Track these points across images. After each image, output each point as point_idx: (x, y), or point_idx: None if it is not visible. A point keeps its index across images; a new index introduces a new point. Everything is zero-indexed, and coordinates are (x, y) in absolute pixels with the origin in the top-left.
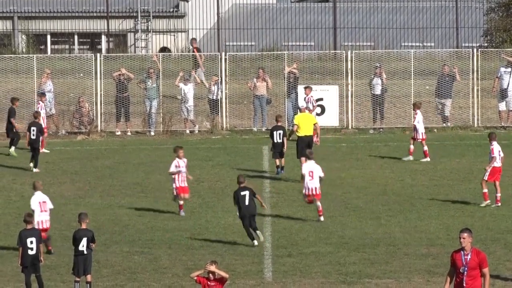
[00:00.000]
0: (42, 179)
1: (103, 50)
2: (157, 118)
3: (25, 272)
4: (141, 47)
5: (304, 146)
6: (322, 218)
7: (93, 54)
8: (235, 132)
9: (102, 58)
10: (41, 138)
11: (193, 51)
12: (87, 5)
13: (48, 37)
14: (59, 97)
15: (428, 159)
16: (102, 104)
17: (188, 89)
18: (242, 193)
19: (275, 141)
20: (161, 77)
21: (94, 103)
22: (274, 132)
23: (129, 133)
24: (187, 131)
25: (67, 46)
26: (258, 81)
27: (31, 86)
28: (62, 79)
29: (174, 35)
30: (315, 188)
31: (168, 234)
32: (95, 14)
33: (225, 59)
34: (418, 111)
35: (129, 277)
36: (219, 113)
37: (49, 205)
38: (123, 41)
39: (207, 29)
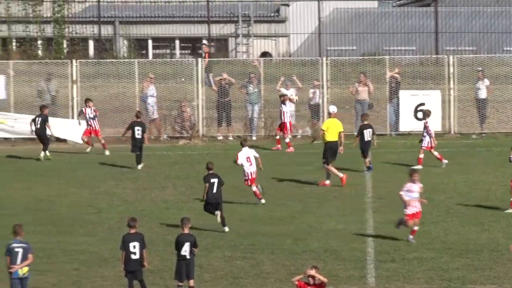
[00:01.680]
0: (144, 183)
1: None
2: (259, 123)
3: (128, 276)
4: (242, 51)
5: (331, 152)
6: (263, 201)
7: (194, 59)
8: None
9: (203, 63)
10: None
11: (205, 56)
12: (188, 10)
13: (150, 41)
14: (161, 101)
15: (420, 166)
16: (204, 109)
17: (289, 94)
18: (212, 180)
19: (366, 139)
20: (262, 81)
21: (196, 108)
22: (364, 131)
23: (230, 138)
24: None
25: (168, 51)
26: (360, 86)
27: (133, 90)
28: (163, 83)
29: (275, 40)
30: (254, 172)
31: (270, 239)
32: (196, 19)
33: (326, 63)
34: (428, 119)
35: (232, 282)
36: (320, 118)
37: None
38: (224, 46)
39: (308, 33)
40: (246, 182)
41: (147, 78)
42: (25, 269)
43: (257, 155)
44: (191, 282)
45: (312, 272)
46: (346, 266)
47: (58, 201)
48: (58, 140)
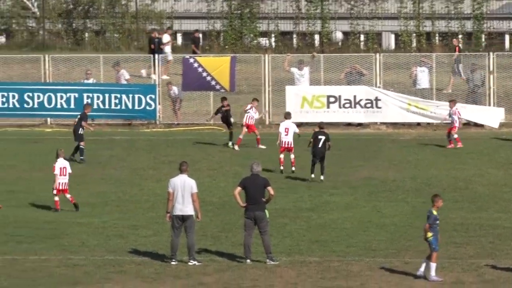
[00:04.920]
0: None
1: None
2: None
3: None
4: None
5: None
6: (293, 169)
7: None
8: None
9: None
10: None
11: (455, 50)
12: None
13: None
14: None
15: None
16: None
17: None
18: (319, 136)
19: None
20: None
21: None
22: None
23: None
24: None
25: None
26: None
27: None
28: None
29: None
30: (290, 142)
31: None
32: None
33: None
34: None
35: None
36: None
37: (68, 170)
38: None
39: None
40: (279, 149)
41: None
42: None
43: (297, 130)
44: None
45: None
46: None
47: (476, 180)
48: (476, 125)
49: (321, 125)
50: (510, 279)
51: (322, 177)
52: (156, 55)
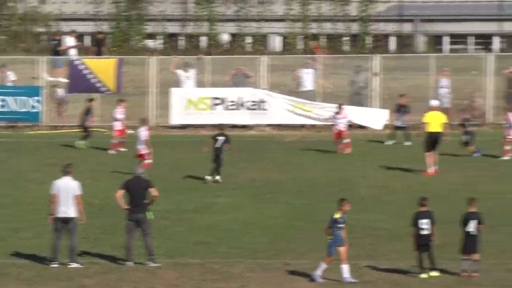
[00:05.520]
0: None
1: (496, 50)
2: None
3: (418, 250)
4: None
5: (431, 141)
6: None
7: (485, 54)
8: None
9: (493, 58)
10: None
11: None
12: (481, 8)
13: (445, 38)
14: (455, 93)
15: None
16: (493, 99)
17: None
18: (217, 137)
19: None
20: None
21: (486, 98)
22: None
23: None
24: None
25: (462, 46)
26: None
27: (427, 82)
28: (457, 76)
29: None
30: (140, 148)
31: None
32: (488, 17)
33: None
34: None
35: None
36: None
37: None
38: None
39: None
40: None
41: (442, 71)
42: None
43: (143, 137)
44: (476, 256)
45: None
46: None
47: (358, 182)
48: (360, 127)
49: (220, 126)
50: (389, 280)
51: (217, 177)
52: (44, 57)
